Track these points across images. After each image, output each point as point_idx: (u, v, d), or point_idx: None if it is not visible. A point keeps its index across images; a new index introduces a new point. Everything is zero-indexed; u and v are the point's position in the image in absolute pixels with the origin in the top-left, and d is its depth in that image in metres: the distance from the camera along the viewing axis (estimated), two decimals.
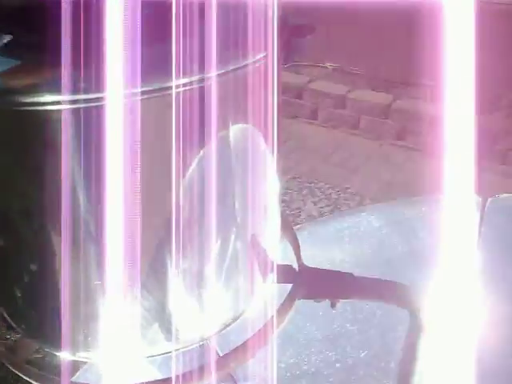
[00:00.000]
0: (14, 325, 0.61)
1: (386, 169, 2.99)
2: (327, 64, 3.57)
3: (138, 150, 0.48)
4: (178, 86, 0.47)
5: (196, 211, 0.53)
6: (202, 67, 0.47)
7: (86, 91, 0.45)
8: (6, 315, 0.62)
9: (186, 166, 0.51)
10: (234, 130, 0.53)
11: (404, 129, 3.20)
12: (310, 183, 2.89)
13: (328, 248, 1.36)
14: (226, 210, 0.56)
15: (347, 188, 2.88)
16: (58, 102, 0.45)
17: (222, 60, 0.49)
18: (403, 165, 3.02)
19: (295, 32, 0.58)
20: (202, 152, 0.51)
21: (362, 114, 3.31)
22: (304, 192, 2.82)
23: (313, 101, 3.44)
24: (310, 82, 3.52)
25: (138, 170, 0.48)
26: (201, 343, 0.60)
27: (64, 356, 0.60)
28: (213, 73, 0.48)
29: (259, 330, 0.61)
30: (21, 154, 0.49)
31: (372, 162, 3.08)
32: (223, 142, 0.53)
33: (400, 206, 1.54)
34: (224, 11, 0.49)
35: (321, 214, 2.71)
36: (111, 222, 0.50)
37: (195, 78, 0.47)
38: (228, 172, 0.55)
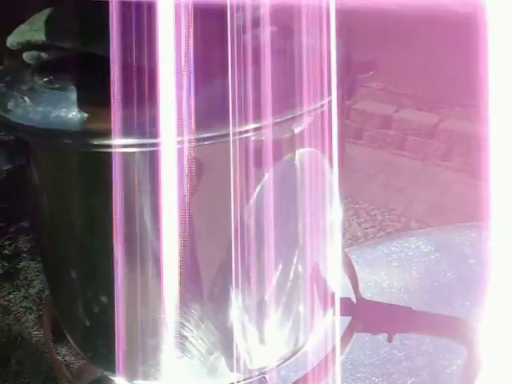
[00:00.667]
0: (80, 352, 0.63)
1: (432, 190, 2.96)
2: (373, 84, 3.56)
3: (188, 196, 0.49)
4: (234, 134, 0.47)
5: (258, 237, 0.54)
6: (260, 115, 0.48)
7: (154, 135, 0.47)
8: (72, 342, 0.64)
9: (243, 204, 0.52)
10: (300, 153, 0.54)
11: (450, 150, 3.16)
12: (355, 204, 2.88)
13: (376, 272, 1.35)
14: (290, 233, 0.57)
15: (392, 209, 2.85)
16: (131, 145, 0.47)
17: (282, 108, 0.49)
18: (449, 186, 2.99)
19: (360, 69, 0.59)
20: (265, 177, 0.52)
21: (407, 135, 3.29)
22: (349, 213, 2.80)
23: (358, 121, 3.43)
24: (355, 102, 3.51)
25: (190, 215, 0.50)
26: (260, 376, 0.61)
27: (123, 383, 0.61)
28: (271, 120, 0.48)
29: (319, 364, 0.61)
30: (100, 193, 0.51)
31: (418, 183, 3.05)
32: (289, 166, 0.54)
33: (449, 231, 1.52)
34: (286, 58, 0.50)
35: (365, 235, 2.69)
36: (170, 254, 0.51)
37: (253, 125, 0.48)
38: (293, 195, 0.56)
